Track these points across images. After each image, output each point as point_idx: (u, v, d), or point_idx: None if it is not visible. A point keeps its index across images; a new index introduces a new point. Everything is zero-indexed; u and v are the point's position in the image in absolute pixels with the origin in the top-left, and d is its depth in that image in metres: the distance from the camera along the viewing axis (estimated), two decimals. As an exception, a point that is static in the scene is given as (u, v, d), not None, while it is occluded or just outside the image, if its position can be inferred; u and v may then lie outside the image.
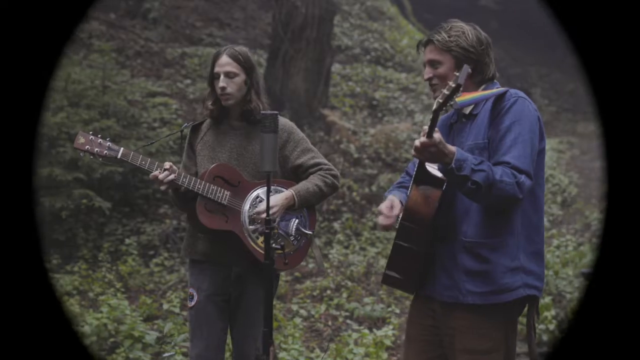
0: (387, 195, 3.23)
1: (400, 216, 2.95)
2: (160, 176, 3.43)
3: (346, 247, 8.27)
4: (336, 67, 11.62)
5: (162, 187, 3.47)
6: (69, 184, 7.60)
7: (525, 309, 3.01)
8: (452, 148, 2.71)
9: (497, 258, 2.89)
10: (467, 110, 3.03)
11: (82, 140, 3.54)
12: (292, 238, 3.55)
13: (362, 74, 12.21)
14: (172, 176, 3.44)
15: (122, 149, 3.54)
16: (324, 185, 3.62)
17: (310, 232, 3.56)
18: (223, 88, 3.56)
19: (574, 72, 20.83)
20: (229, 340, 3.72)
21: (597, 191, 11.42)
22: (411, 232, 2.89)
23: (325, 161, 3.71)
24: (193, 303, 3.62)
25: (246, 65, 3.61)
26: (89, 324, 5.64)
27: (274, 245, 2.92)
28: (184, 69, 10.77)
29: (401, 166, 9.75)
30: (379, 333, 5.71)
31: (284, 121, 3.65)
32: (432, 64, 3.01)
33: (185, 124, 3.81)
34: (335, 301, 6.89)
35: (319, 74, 9.96)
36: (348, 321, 6.56)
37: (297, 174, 3.66)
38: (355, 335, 5.81)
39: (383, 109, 11.32)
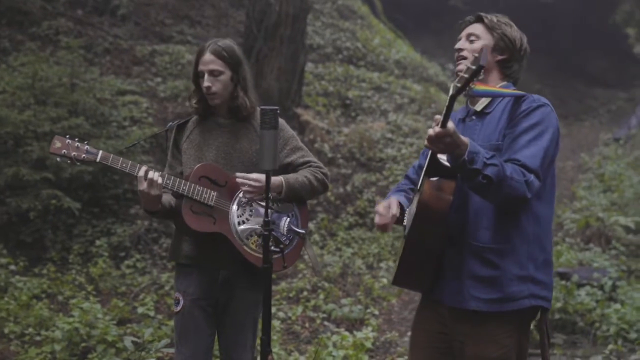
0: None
1: (414, 213, 2.82)
2: (149, 175, 3.26)
3: (322, 248, 8.16)
4: (308, 66, 11.50)
5: (153, 192, 3.28)
6: (36, 184, 7.39)
7: (537, 316, 2.91)
8: (465, 139, 2.59)
9: (506, 265, 2.78)
10: (480, 108, 2.92)
11: (58, 144, 3.38)
12: (284, 238, 3.41)
13: (335, 73, 12.11)
14: (157, 174, 3.28)
15: (100, 151, 3.37)
16: (314, 179, 3.50)
17: (303, 231, 3.42)
18: (208, 88, 3.41)
19: (540, 72, 21.09)
20: (216, 346, 3.57)
21: (568, 190, 11.48)
22: (425, 229, 2.76)
23: (315, 160, 3.58)
24: (179, 308, 3.45)
25: (231, 61, 3.46)
26: (60, 328, 5.46)
27: (272, 247, 2.75)
28: (154, 67, 10.56)
29: (375, 165, 9.68)
30: (359, 335, 5.60)
31: None
32: (469, 37, 2.93)
33: (171, 122, 3.64)
34: (312, 302, 6.78)
35: (293, 73, 9.84)
36: (326, 323, 6.45)
37: (286, 173, 3.51)
38: (334, 337, 5.69)
39: (356, 108, 11.23)
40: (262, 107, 2.75)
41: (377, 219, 2.98)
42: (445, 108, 2.52)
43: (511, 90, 2.86)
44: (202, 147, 3.50)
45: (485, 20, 2.93)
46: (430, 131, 2.55)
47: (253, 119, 3.53)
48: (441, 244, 2.82)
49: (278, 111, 2.69)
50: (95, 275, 6.98)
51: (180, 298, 3.45)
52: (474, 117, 2.93)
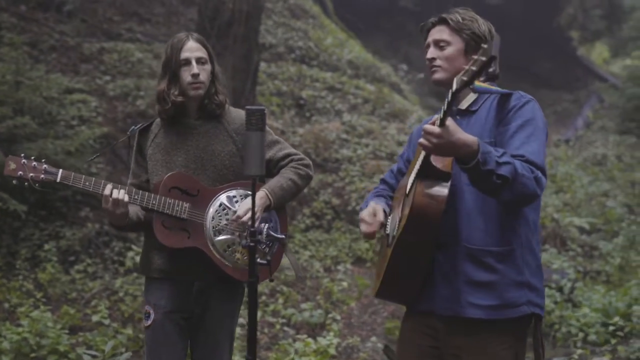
0: (364, 206, 2.98)
1: (402, 219, 2.66)
2: (114, 194, 3.04)
3: (278, 251, 8.00)
4: (261, 65, 11.31)
5: (118, 211, 3.07)
6: (-20, 186, 7.04)
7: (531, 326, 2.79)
8: (472, 137, 2.42)
9: (504, 269, 2.65)
10: (465, 106, 2.80)
11: (13, 165, 3.12)
12: (263, 246, 3.23)
13: (288, 72, 11.95)
14: (123, 192, 3.06)
15: (60, 170, 3.13)
16: (298, 177, 3.30)
17: (283, 237, 3.20)
18: (196, 75, 3.19)
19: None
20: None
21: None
22: (416, 236, 2.60)
23: (295, 150, 3.39)
24: (149, 322, 3.23)
25: (211, 53, 3.30)
26: (7, 338, 5.19)
27: (259, 260, 2.55)
28: (103, 65, 10.23)
29: (331, 166, 9.56)
30: (323, 342, 5.46)
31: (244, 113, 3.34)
32: (439, 44, 2.78)
33: (133, 126, 3.40)
34: (271, 307, 6.62)
35: (247, 72, 9.62)
36: (285, 328, 6.30)
37: (267, 169, 3.30)
38: (297, 344, 5.54)
39: (311, 108, 11.10)
40: (248, 106, 2.54)
41: (363, 228, 2.82)
42: (446, 105, 2.35)
43: (501, 89, 2.75)
44: (170, 151, 3.27)
45: (451, 23, 2.78)
46: (428, 127, 2.38)
47: (224, 118, 3.34)
48: (431, 252, 2.68)
49: (265, 111, 2.50)
50: (44, 281, 6.68)
51: (151, 311, 3.23)
52: (457, 117, 2.78)
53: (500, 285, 2.65)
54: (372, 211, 2.85)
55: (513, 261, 2.67)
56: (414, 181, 2.62)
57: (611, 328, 6.13)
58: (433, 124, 2.43)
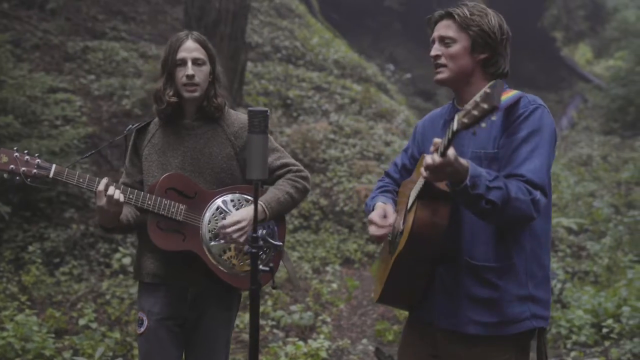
0: (371, 202, 2.90)
1: (403, 233, 2.59)
2: (109, 191, 2.95)
3: (266, 252, 7.92)
4: (248, 65, 11.22)
5: (112, 209, 2.98)
6: (-38, 187, 6.92)
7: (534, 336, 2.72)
8: (465, 162, 2.36)
9: (505, 285, 2.58)
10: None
11: (4, 159, 3.01)
12: (260, 252, 3.15)
13: (275, 72, 11.88)
14: (118, 192, 2.97)
15: (54, 166, 3.03)
16: (295, 191, 3.22)
17: (280, 244, 3.13)
18: (190, 76, 3.10)
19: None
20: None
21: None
22: (416, 253, 2.56)
23: (293, 161, 3.31)
24: (143, 329, 3.14)
25: (211, 54, 3.22)
26: (-8, 343, 5.08)
27: (261, 267, 2.45)
28: (87, 64, 10.11)
29: (319, 167, 9.49)
30: (314, 345, 5.39)
31: (244, 117, 3.26)
32: (444, 41, 2.67)
33: (130, 125, 3.31)
34: (260, 309, 6.54)
35: (234, 72, 9.56)
36: (275, 330, 6.22)
37: None
38: (289, 347, 5.46)
39: (297, 108, 11.03)
40: (251, 108, 2.46)
41: (373, 230, 2.73)
42: (446, 139, 2.30)
43: (510, 95, 2.61)
44: (167, 152, 3.18)
45: (457, 18, 2.65)
46: (429, 159, 2.33)
47: (223, 120, 3.26)
48: (432, 266, 2.64)
49: (268, 113, 2.42)
50: (28, 284, 6.57)
51: (144, 318, 3.14)
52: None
53: (501, 301, 2.60)
54: (382, 212, 2.76)
55: (515, 276, 2.60)
56: (415, 200, 2.55)
57: (605, 330, 6.11)
58: (436, 149, 2.36)
